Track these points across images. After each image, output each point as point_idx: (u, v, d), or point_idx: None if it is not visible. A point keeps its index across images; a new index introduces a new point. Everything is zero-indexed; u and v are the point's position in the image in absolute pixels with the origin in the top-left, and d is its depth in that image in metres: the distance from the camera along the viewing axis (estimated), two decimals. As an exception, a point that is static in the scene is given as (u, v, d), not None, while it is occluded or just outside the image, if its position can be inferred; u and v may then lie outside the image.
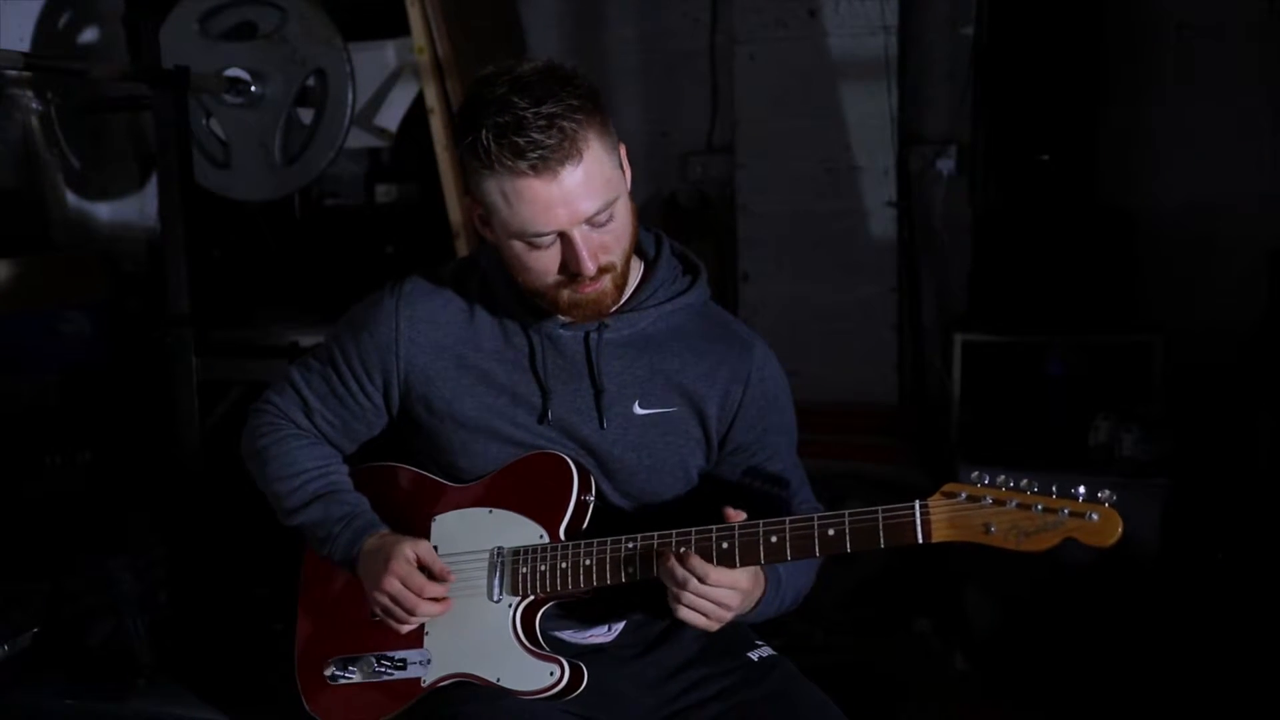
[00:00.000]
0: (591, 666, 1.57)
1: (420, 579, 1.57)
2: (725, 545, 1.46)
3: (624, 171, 1.53)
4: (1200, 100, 3.40)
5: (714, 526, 1.47)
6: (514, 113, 1.42)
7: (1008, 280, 3.23)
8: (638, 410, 1.61)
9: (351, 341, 1.66)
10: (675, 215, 3.94)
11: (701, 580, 1.45)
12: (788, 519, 1.45)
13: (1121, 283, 3.20)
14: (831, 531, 1.43)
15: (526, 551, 1.58)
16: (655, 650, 1.68)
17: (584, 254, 1.47)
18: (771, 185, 3.75)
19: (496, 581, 1.59)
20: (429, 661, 1.61)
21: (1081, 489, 1.34)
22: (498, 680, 1.56)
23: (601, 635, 1.69)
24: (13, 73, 3.88)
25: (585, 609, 1.64)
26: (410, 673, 1.62)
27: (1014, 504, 1.35)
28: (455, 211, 3.36)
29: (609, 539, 1.53)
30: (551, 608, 1.62)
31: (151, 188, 4.04)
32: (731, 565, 1.46)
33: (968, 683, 2.97)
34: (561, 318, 1.60)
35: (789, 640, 2.37)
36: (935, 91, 3.69)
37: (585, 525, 1.59)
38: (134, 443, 3.43)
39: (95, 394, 3.54)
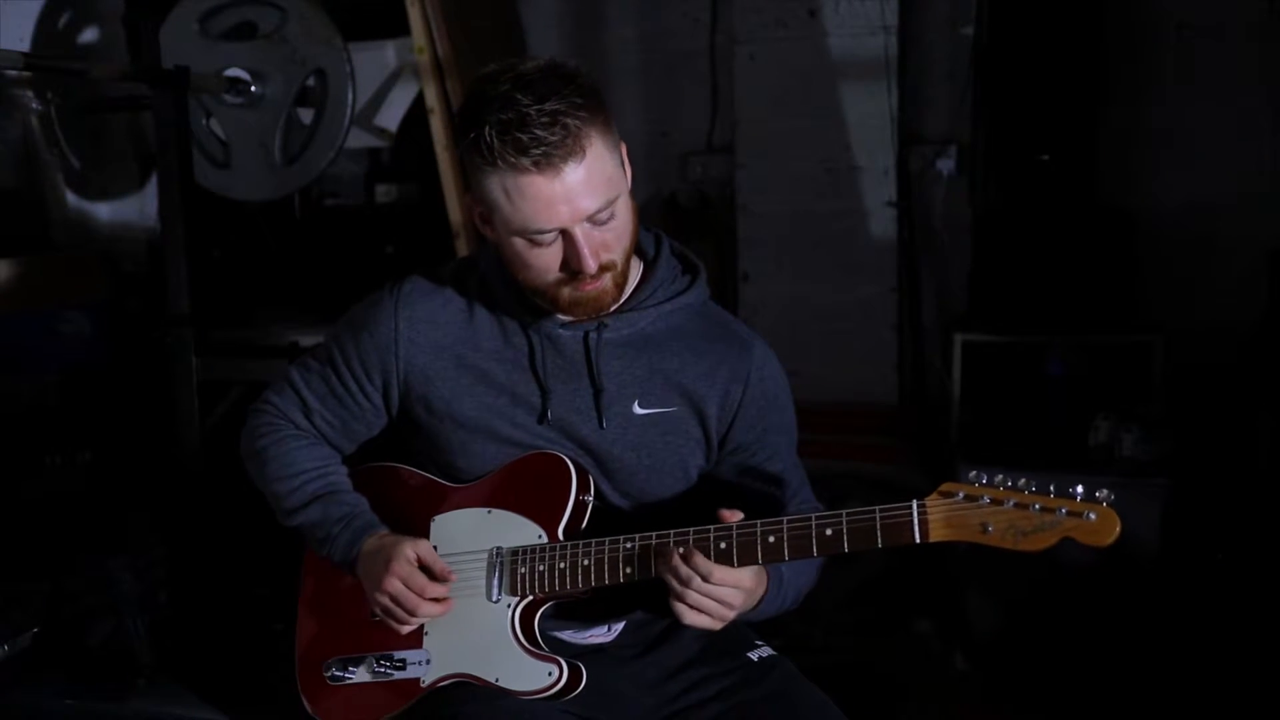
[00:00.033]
0: (591, 667, 1.57)
1: (421, 579, 1.57)
2: (723, 545, 1.46)
3: (625, 170, 1.53)
4: (1200, 100, 3.41)
5: (711, 526, 1.47)
6: (517, 109, 1.42)
7: (1008, 280, 3.23)
8: (637, 410, 1.61)
9: (351, 342, 1.66)
10: (675, 215, 3.94)
11: (705, 579, 1.45)
12: (785, 519, 1.45)
13: (1121, 283, 3.20)
14: (829, 531, 1.43)
15: (525, 552, 1.58)
16: (655, 650, 1.68)
17: (585, 251, 1.47)
18: (771, 185, 3.76)
19: (495, 582, 1.59)
20: (428, 662, 1.61)
21: (1079, 488, 1.34)
22: (496, 680, 1.56)
23: (601, 635, 1.69)
24: (13, 73, 3.88)
25: (585, 609, 1.64)
26: (410, 673, 1.62)
27: (1011, 503, 1.35)
28: (455, 211, 3.36)
29: (607, 539, 1.53)
30: (551, 608, 1.62)
31: (151, 188, 4.04)
32: (729, 565, 1.46)
33: (968, 683, 2.96)
34: (561, 317, 1.60)
35: (789, 640, 2.37)
36: (935, 91, 3.69)
37: (584, 525, 1.59)
38: (134, 443, 3.43)
39: (95, 394, 3.54)
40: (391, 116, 3.68)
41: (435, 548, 1.61)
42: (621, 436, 1.61)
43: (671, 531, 1.49)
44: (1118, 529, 1.31)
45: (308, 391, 1.70)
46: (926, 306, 3.74)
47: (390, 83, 3.64)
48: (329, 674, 1.68)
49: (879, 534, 1.40)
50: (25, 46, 3.93)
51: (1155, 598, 2.86)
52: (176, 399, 2.86)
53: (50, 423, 3.42)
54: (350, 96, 3.20)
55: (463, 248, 3.36)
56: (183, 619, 2.72)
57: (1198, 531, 2.95)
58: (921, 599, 3.19)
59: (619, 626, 1.69)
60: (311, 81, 3.22)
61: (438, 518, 1.65)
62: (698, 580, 1.45)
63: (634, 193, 1.56)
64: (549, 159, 1.42)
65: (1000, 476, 1.37)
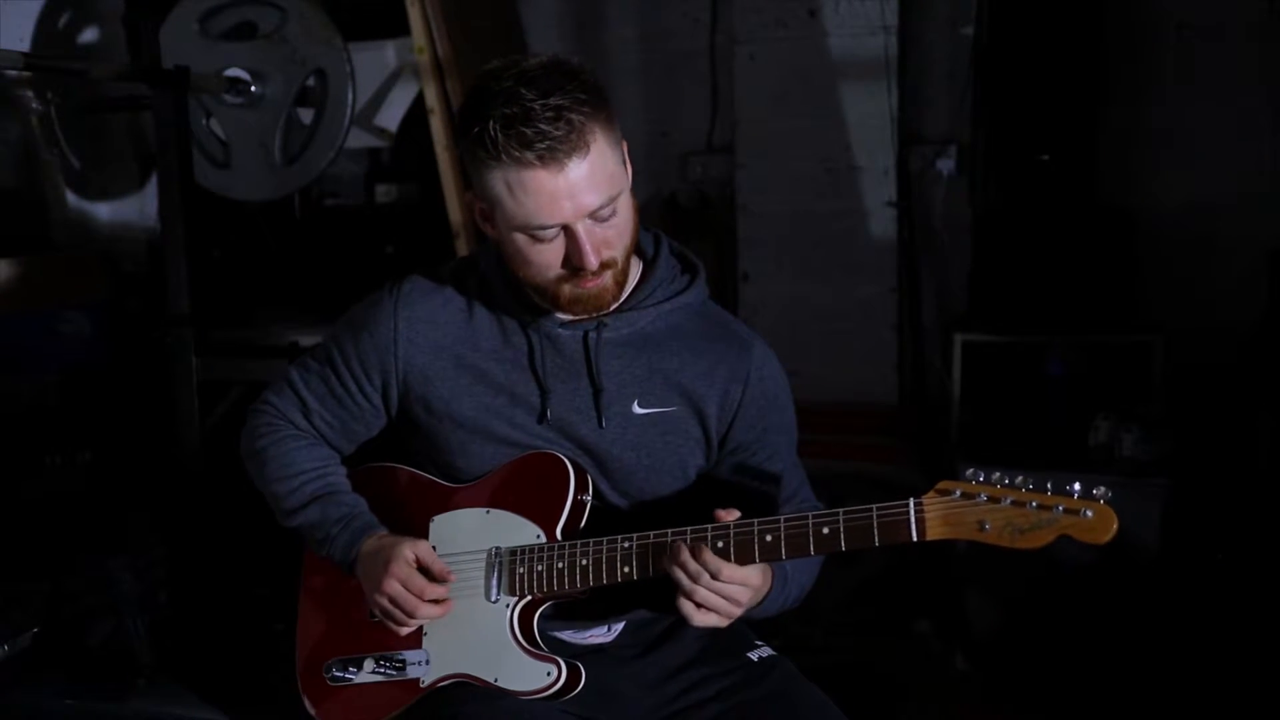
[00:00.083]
0: (591, 667, 1.57)
1: (420, 581, 1.57)
2: (720, 544, 1.46)
3: (627, 168, 1.53)
4: (1200, 100, 3.41)
5: (709, 526, 1.47)
6: (521, 104, 1.42)
7: (1008, 280, 3.23)
8: (637, 410, 1.61)
9: (350, 342, 1.66)
10: (675, 215, 3.94)
11: (714, 576, 1.44)
12: (782, 517, 1.45)
13: (1121, 283, 3.21)
14: (826, 530, 1.42)
15: (524, 551, 1.58)
16: (655, 650, 1.68)
17: (587, 248, 1.47)
18: (771, 185, 3.76)
19: (494, 582, 1.59)
20: (427, 662, 1.61)
21: (1076, 486, 1.33)
22: (495, 680, 1.56)
23: (601, 635, 1.69)
24: (13, 73, 3.88)
25: (585, 609, 1.64)
26: (409, 673, 1.62)
27: (1008, 501, 1.35)
28: (455, 211, 3.36)
29: (605, 539, 1.53)
30: (551, 608, 1.62)
31: (151, 188, 4.04)
32: (729, 564, 1.46)
33: (968, 683, 2.96)
34: (560, 316, 1.60)
35: (789, 640, 2.37)
36: (935, 91, 3.69)
37: (583, 525, 1.59)
38: (134, 443, 3.43)
39: (95, 394, 3.54)
40: (391, 116, 3.68)
41: (434, 548, 1.61)
42: (621, 436, 1.61)
43: (669, 531, 1.49)
44: (1115, 526, 1.31)
45: (307, 392, 1.70)
46: (926, 306, 3.74)
47: (390, 83, 3.65)
48: (329, 674, 1.68)
49: (876, 532, 1.40)
50: (25, 46, 3.93)
51: (1155, 598, 2.86)
52: (176, 399, 2.86)
53: (50, 423, 3.42)
54: (350, 96, 3.20)
55: (463, 248, 3.36)
56: (183, 619, 2.72)
57: (1198, 531, 2.95)
58: (921, 599, 3.19)
59: (619, 627, 1.69)
60: (311, 81, 3.22)
61: (437, 518, 1.65)
62: (706, 577, 1.44)
63: (634, 192, 1.56)
64: (553, 153, 1.42)
65: (997, 474, 1.37)
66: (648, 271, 1.65)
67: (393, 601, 1.57)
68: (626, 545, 1.52)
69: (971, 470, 1.38)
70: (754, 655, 1.67)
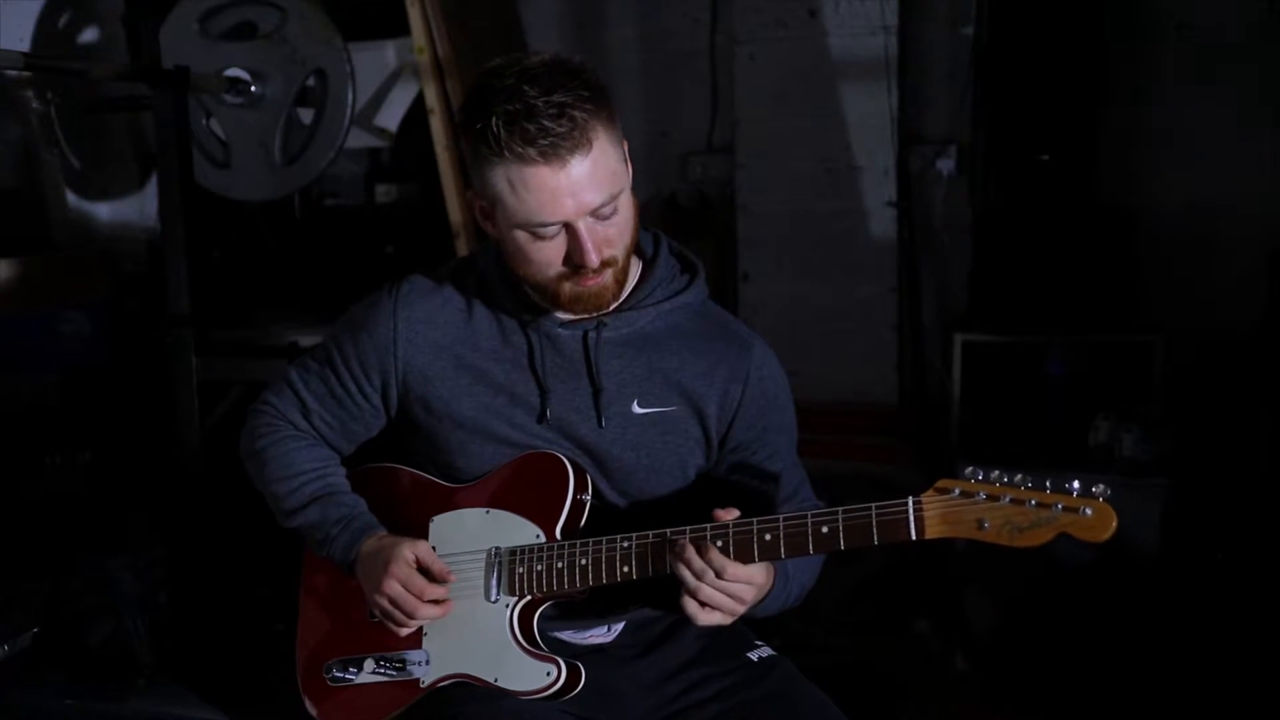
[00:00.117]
0: (591, 667, 1.57)
1: (420, 581, 1.56)
2: (720, 544, 1.46)
3: (627, 166, 1.53)
4: (1200, 100, 3.40)
5: (708, 525, 1.47)
6: (525, 101, 1.42)
7: (1008, 280, 3.23)
8: (636, 409, 1.61)
9: (350, 342, 1.66)
10: (675, 215, 3.94)
11: (719, 575, 1.44)
12: (781, 516, 1.45)
13: (1121, 283, 3.20)
14: (825, 529, 1.42)
15: (523, 551, 1.58)
16: (655, 651, 1.68)
17: (588, 245, 1.47)
18: (771, 185, 3.76)
19: (494, 582, 1.59)
20: (427, 662, 1.61)
21: (1075, 484, 1.33)
22: (495, 680, 1.56)
23: (601, 636, 1.69)
24: (13, 73, 3.88)
25: (585, 609, 1.64)
26: (409, 673, 1.62)
27: (1008, 499, 1.35)
28: (455, 211, 3.36)
29: (605, 538, 1.53)
30: (551, 608, 1.62)
31: (151, 188, 4.04)
32: (729, 563, 1.46)
33: (968, 683, 2.97)
34: (560, 315, 1.60)
35: (789, 640, 2.37)
36: (935, 91, 3.69)
37: (582, 525, 1.59)
38: (134, 443, 3.43)
39: (95, 394, 3.54)
40: (391, 116, 3.68)
41: (434, 548, 1.61)
42: (620, 436, 1.61)
43: (669, 530, 1.49)
44: (1114, 524, 1.31)
45: (306, 392, 1.70)
46: (926, 306, 3.74)
47: (390, 83, 3.65)
48: (329, 675, 1.68)
49: (875, 531, 1.40)
50: (25, 46, 3.93)
51: (1155, 598, 2.86)
52: (176, 399, 2.86)
53: (50, 423, 3.42)
54: (350, 96, 3.20)
55: (463, 248, 3.36)
56: (183, 619, 2.72)
57: (1198, 531, 2.95)
58: (921, 599, 3.20)
59: (619, 627, 1.69)
60: (311, 81, 3.22)
61: (436, 518, 1.65)
62: (711, 575, 1.44)
63: (634, 192, 1.56)
64: (555, 150, 1.43)
65: (996, 473, 1.37)
66: (647, 271, 1.65)
67: (393, 602, 1.57)
68: (626, 545, 1.52)
69: (970, 469, 1.38)
70: (754, 655, 1.67)
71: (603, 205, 1.47)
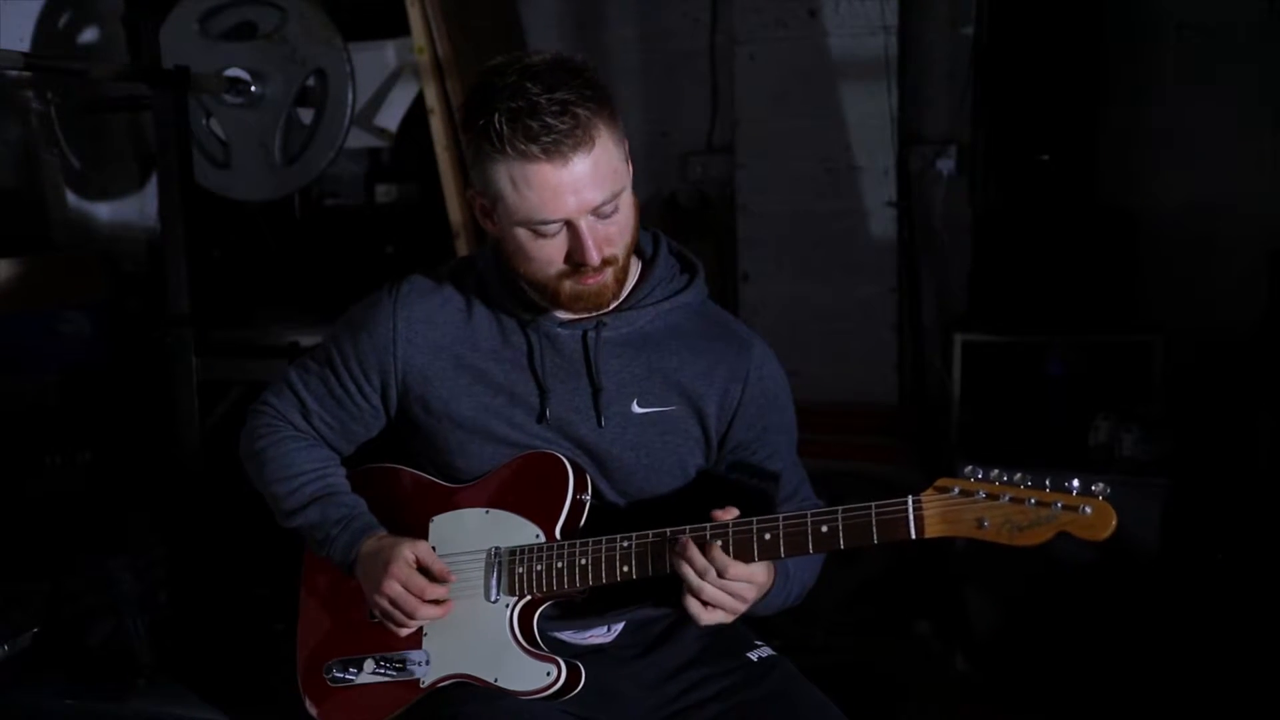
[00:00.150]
0: (591, 667, 1.57)
1: (420, 581, 1.56)
2: (719, 543, 1.45)
3: (628, 165, 1.53)
4: (1200, 100, 3.40)
5: (708, 525, 1.47)
6: (528, 98, 1.42)
7: (1008, 280, 3.23)
8: (636, 409, 1.61)
9: (349, 342, 1.66)
10: (675, 215, 3.94)
11: (721, 574, 1.44)
12: (781, 515, 1.45)
13: (1121, 283, 3.20)
14: (825, 528, 1.42)
15: (523, 551, 1.58)
16: (655, 651, 1.68)
17: (589, 243, 1.47)
18: (771, 185, 3.75)
19: (494, 582, 1.59)
20: (428, 662, 1.61)
21: (1075, 482, 1.33)
22: (495, 680, 1.56)
23: (601, 636, 1.69)
24: (13, 73, 3.88)
25: (585, 609, 1.64)
26: (409, 673, 1.62)
27: (1007, 498, 1.35)
28: (455, 211, 3.36)
29: (605, 538, 1.53)
30: (551, 608, 1.62)
31: (151, 188, 4.04)
32: (730, 563, 1.46)
33: (968, 683, 2.97)
34: (559, 315, 1.60)
35: (789, 640, 2.37)
36: (935, 91, 3.69)
37: (582, 524, 1.59)
38: (134, 443, 3.43)
39: (95, 394, 3.54)
40: (391, 116, 3.68)
41: (434, 548, 1.61)
42: (620, 436, 1.61)
43: (668, 530, 1.49)
44: (1114, 522, 1.31)
45: (306, 393, 1.70)
46: (926, 306, 3.74)
47: (390, 83, 3.65)
48: (330, 675, 1.68)
49: (875, 530, 1.40)
50: (25, 46, 3.93)
51: (1155, 598, 2.86)
52: (176, 399, 2.86)
53: (50, 423, 3.42)
54: (350, 96, 3.20)
55: (463, 248, 3.36)
56: (183, 619, 2.72)
57: (1198, 531, 2.95)
58: (921, 599, 3.19)
59: (618, 627, 1.69)
60: (311, 81, 3.22)
61: (436, 518, 1.65)
62: (713, 574, 1.45)
63: (635, 191, 1.56)
64: (558, 147, 1.43)
65: (996, 471, 1.37)
66: (646, 271, 1.65)
67: (392, 602, 1.57)
68: (626, 545, 1.52)
69: (970, 467, 1.38)
70: (754, 655, 1.67)
71: (604, 203, 1.47)
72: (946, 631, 3.11)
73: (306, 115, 3.29)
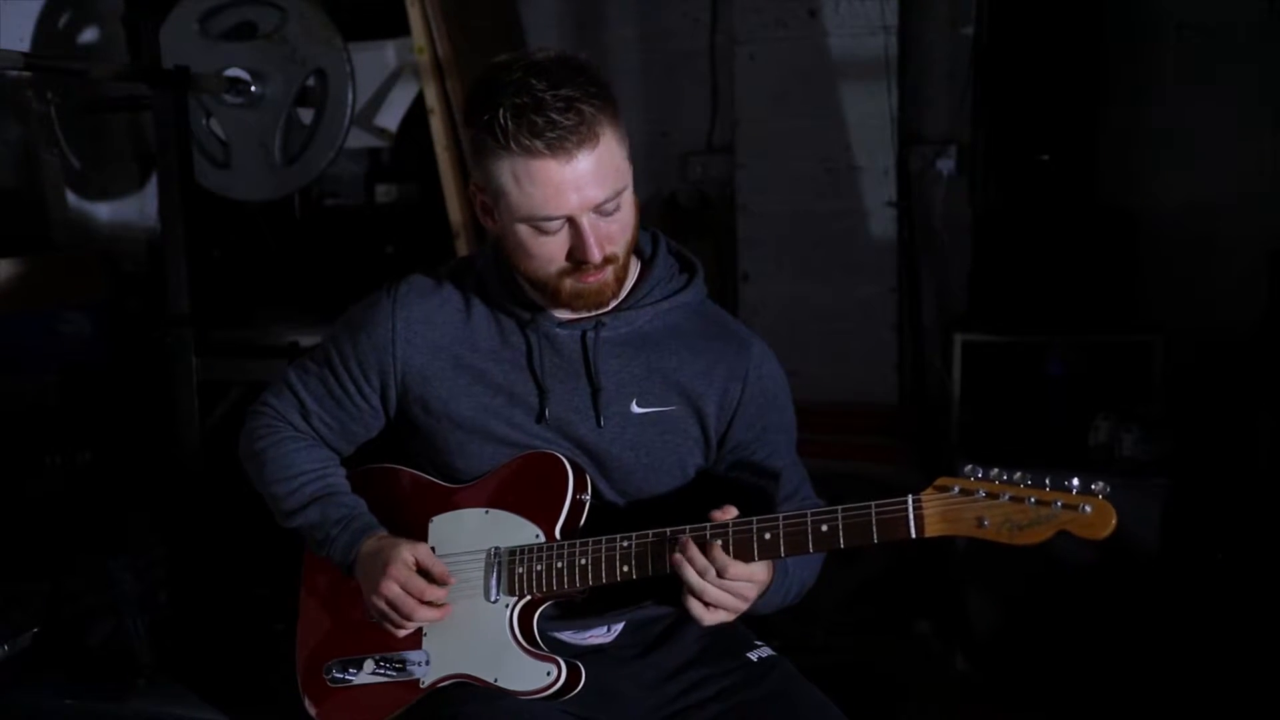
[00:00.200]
0: (591, 667, 1.57)
1: (419, 583, 1.56)
2: (719, 543, 1.45)
3: (630, 164, 1.53)
4: (1200, 100, 3.40)
5: (707, 524, 1.47)
6: (533, 94, 1.42)
7: (1008, 280, 3.23)
8: (635, 409, 1.61)
9: (349, 343, 1.66)
10: (675, 215, 3.94)
11: (721, 573, 1.44)
12: (781, 515, 1.45)
13: (1121, 283, 3.20)
14: (825, 527, 1.42)
15: (523, 551, 1.58)
16: (655, 651, 1.68)
17: (591, 241, 1.47)
18: (771, 185, 3.75)
19: (493, 582, 1.59)
20: (428, 662, 1.61)
21: (1075, 481, 1.33)
22: (495, 680, 1.56)
23: (601, 636, 1.69)
24: (13, 73, 3.88)
25: (585, 609, 1.64)
26: (409, 674, 1.62)
27: (1007, 497, 1.35)
28: (455, 211, 3.36)
29: (604, 538, 1.53)
30: (551, 608, 1.62)
31: (151, 188, 4.04)
32: (730, 562, 1.46)
33: (968, 683, 2.97)
34: (559, 315, 1.60)
35: (789, 640, 2.37)
36: (935, 91, 3.69)
37: (582, 524, 1.59)
38: (134, 443, 3.43)
39: (95, 394, 3.54)
40: (391, 116, 3.68)
41: (433, 549, 1.61)
42: (620, 436, 1.61)
43: (668, 530, 1.49)
44: (1113, 521, 1.31)
45: (305, 393, 1.70)
46: (926, 306, 3.74)
47: (390, 83, 3.65)
48: (329, 675, 1.68)
49: (874, 529, 1.40)
50: (25, 46, 3.93)
51: (1155, 597, 2.86)
52: (176, 399, 2.86)
53: (50, 423, 3.42)
54: (350, 96, 3.20)
55: (463, 248, 3.36)
56: (183, 619, 2.72)
57: (1198, 531, 2.95)
58: (921, 599, 3.20)
59: (618, 627, 1.69)
60: (311, 81, 3.22)
61: (436, 518, 1.65)
62: (713, 574, 1.44)
63: (635, 191, 1.56)
64: (563, 143, 1.43)
65: (996, 470, 1.37)
66: (646, 270, 1.65)
67: (390, 604, 1.57)
68: (625, 544, 1.52)
69: (970, 467, 1.38)
70: (754, 655, 1.67)
71: (606, 201, 1.48)
72: (946, 631, 3.11)
73: (306, 115, 3.29)
